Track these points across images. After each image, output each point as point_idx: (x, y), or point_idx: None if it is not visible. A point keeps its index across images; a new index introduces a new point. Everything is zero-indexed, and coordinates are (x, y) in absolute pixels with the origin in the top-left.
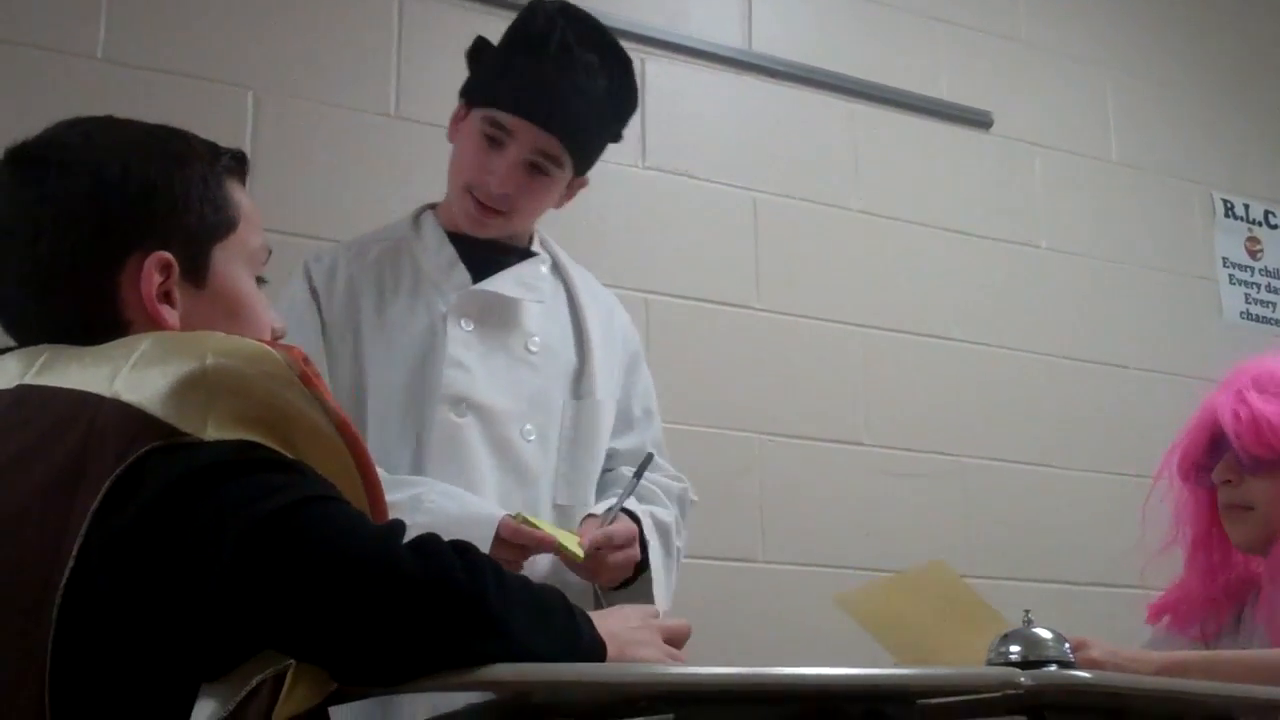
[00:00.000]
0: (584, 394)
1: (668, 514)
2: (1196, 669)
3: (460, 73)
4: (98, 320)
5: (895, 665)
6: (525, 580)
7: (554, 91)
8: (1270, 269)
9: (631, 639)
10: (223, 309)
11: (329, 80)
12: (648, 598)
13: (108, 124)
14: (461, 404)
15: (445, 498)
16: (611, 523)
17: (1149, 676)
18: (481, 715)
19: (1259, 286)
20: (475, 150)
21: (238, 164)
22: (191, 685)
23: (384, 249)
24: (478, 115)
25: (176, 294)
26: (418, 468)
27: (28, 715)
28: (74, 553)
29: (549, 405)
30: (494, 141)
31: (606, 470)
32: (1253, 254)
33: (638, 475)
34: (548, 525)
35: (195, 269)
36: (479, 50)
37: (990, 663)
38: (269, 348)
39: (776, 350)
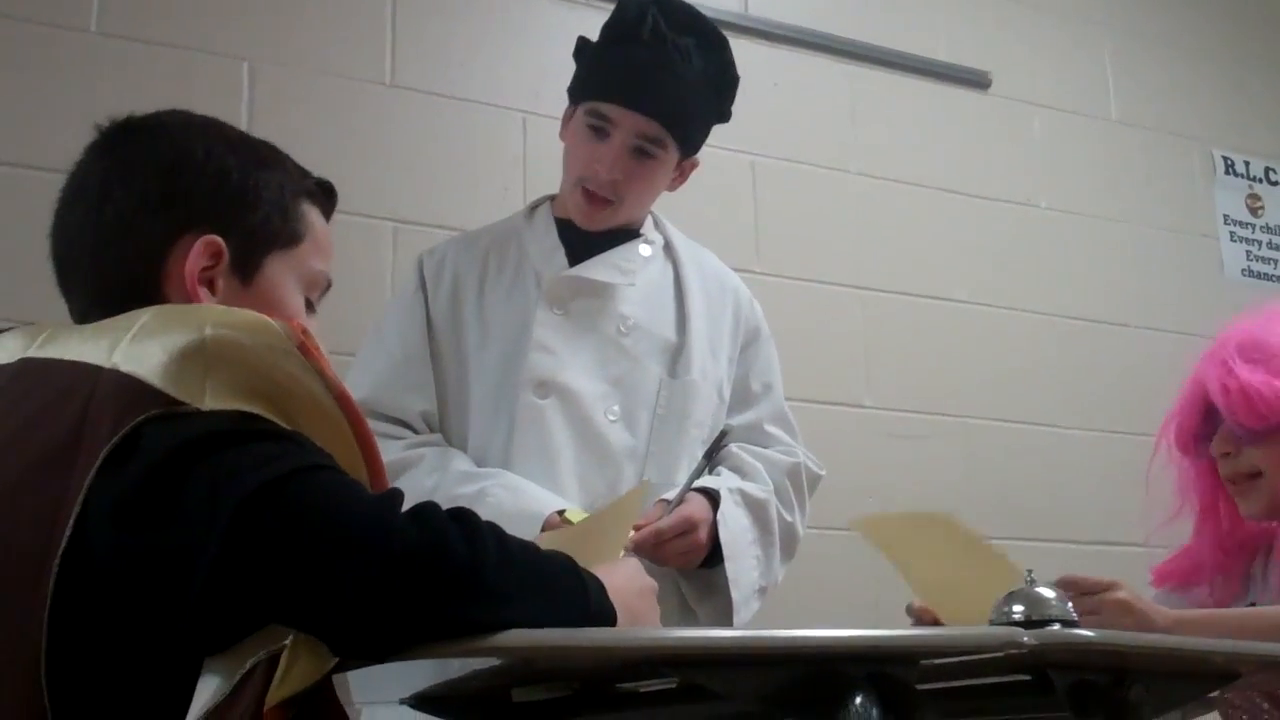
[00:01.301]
0: (680, 373)
1: (763, 489)
2: (1202, 626)
3: (455, 41)
4: (140, 288)
5: (898, 626)
6: (530, 547)
7: (650, 77)
8: (1271, 226)
9: (634, 607)
10: (263, 312)
11: (324, 50)
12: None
13: (210, 120)
14: (544, 386)
15: (506, 491)
16: (675, 507)
17: (1152, 634)
18: (485, 679)
19: (1260, 244)
20: (583, 143)
21: (323, 192)
22: (191, 660)
23: (494, 239)
24: (581, 110)
25: (220, 283)
26: (506, 450)
27: (23, 686)
28: (70, 522)
29: (639, 385)
30: (599, 132)
31: (721, 448)
32: (1253, 211)
33: (708, 456)
34: (581, 517)
35: (245, 265)
36: (580, 50)
37: (993, 622)
38: (267, 318)
39: (777, 313)
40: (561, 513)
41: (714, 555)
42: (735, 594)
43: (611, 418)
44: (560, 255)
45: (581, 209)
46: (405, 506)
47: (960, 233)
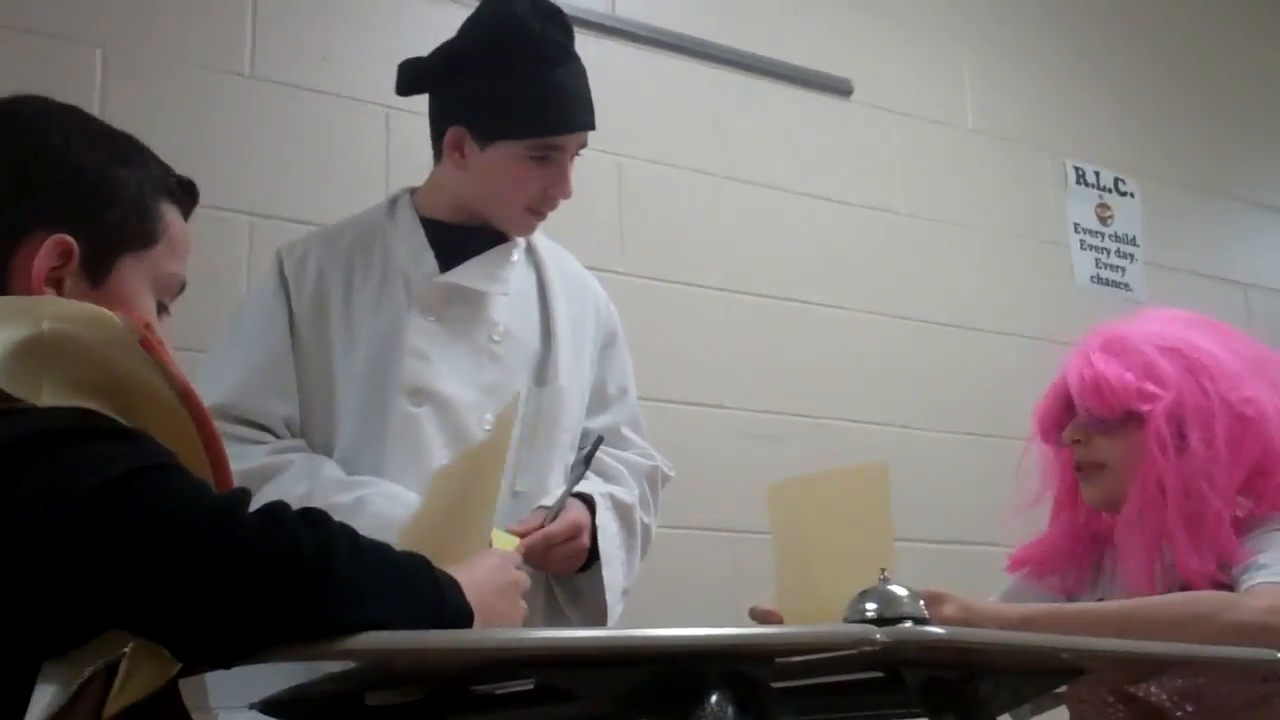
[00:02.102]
0: (548, 380)
1: (629, 494)
2: (1045, 623)
3: (317, 33)
4: None
5: (749, 612)
6: (385, 548)
7: (580, 91)
8: (1120, 234)
9: (492, 606)
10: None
11: (182, 39)
12: (601, 582)
13: (70, 109)
14: (419, 394)
15: (389, 501)
16: (556, 515)
17: (1001, 631)
18: (338, 683)
19: (1109, 251)
20: (527, 174)
21: (184, 192)
22: (27, 665)
23: (357, 236)
24: (515, 146)
25: (68, 283)
26: (378, 458)
27: None
28: None
29: (510, 393)
30: (546, 160)
31: (595, 453)
32: (1103, 220)
33: (585, 461)
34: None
35: (96, 266)
36: (449, 74)
37: (847, 620)
38: (108, 311)
39: (640, 313)
40: None
41: (587, 559)
42: (609, 597)
43: (486, 427)
44: (429, 258)
45: (524, 225)
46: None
47: (820, 237)
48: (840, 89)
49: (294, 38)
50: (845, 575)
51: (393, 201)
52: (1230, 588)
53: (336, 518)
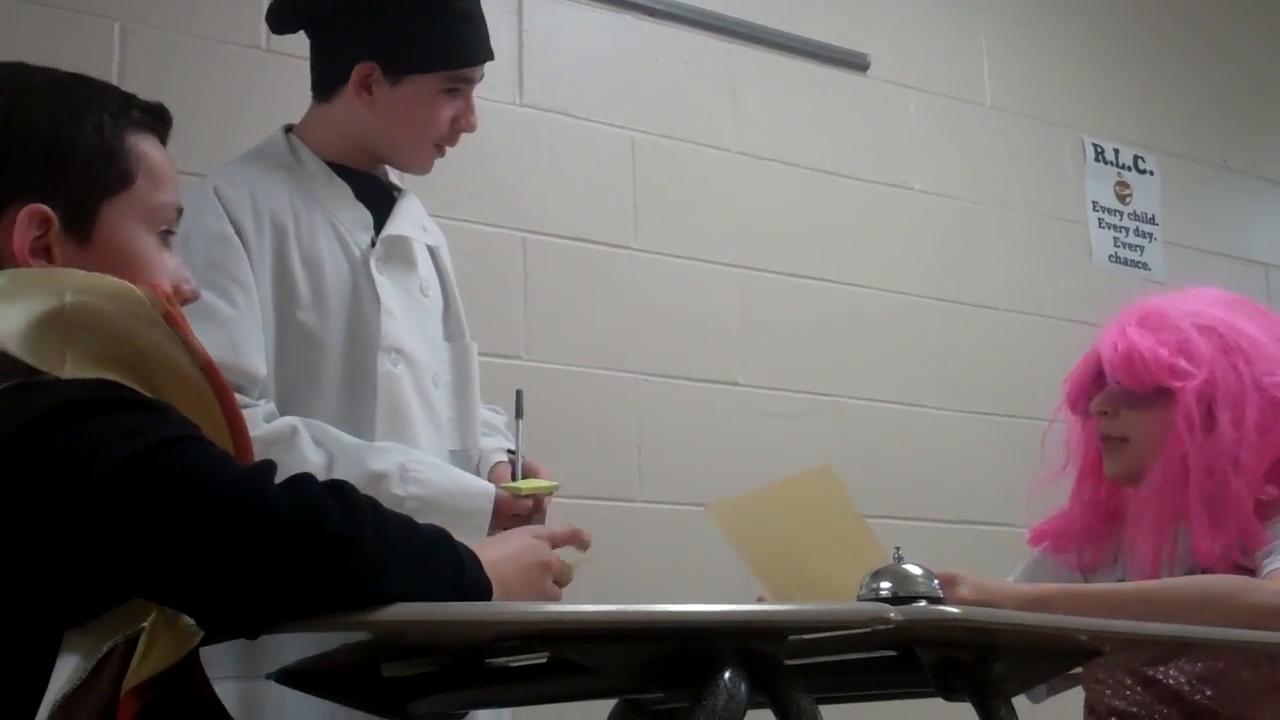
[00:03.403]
0: (455, 336)
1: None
2: (1061, 602)
3: None
4: None
5: (755, 600)
6: (407, 520)
7: (484, 22)
8: (1138, 213)
9: (514, 583)
10: (111, 267)
11: (199, 13)
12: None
13: (12, 68)
14: (396, 353)
15: (430, 469)
16: (515, 469)
17: (1016, 611)
18: (354, 654)
19: (1127, 230)
20: (437, 109)
21: (152, 117)
22: (52, 633)
23: (283, 178)
24: (431, 79)
25: (56, 250)
26: (354, 417)
27: None
28: None
29: (440, 350)
30: (456, 92)
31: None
32: (1121, 198)
33: (519, 415)
34: (525, 483)
35: (79, 224)
36: (357, 10)
37: (860, 598)
38: (131, 285)
39: (654, 290)
40: (501, 485)
41: None
42: None
43: (439, 384)
44: (361, 209)
45: (429, 163)
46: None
47: (836, 214)
48: (857, 64)
49: None
50: (840, 570)
51: (288, 141)
52: (1252, 572)
53: (380, 486)
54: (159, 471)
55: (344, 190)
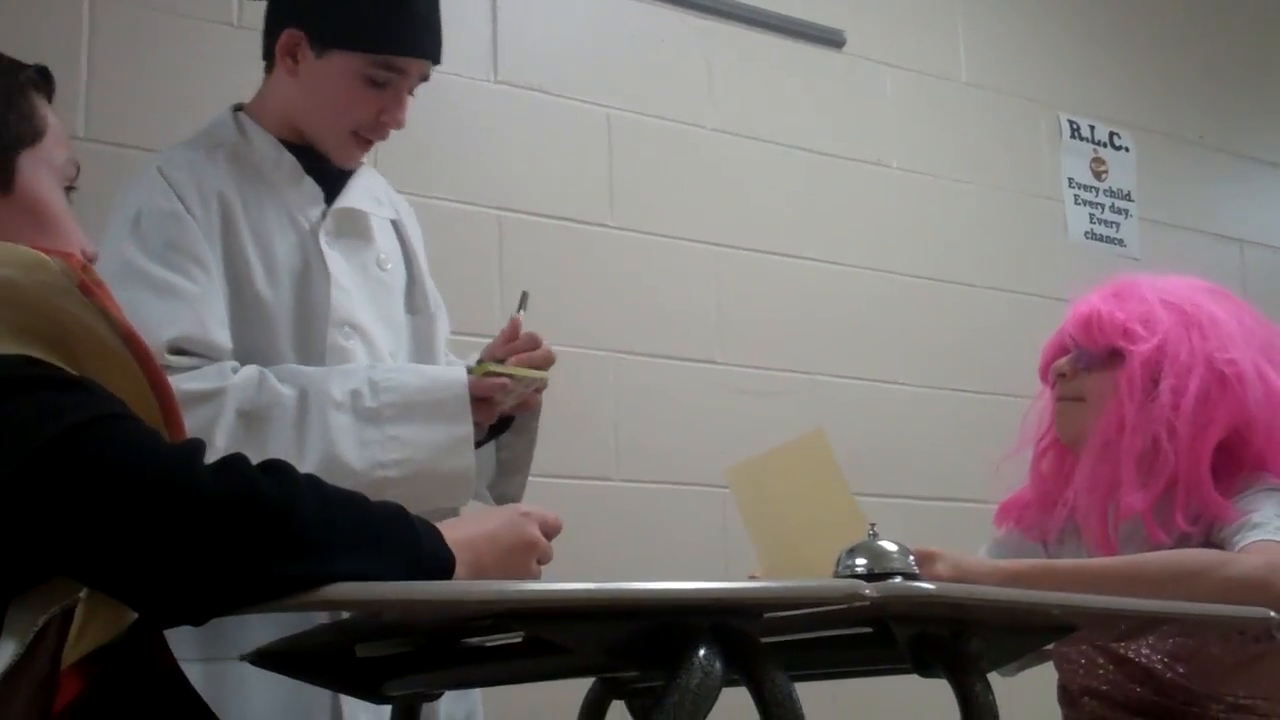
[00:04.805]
0: (418, 309)
1: None
2: (1037, 578)
3: None
4: None
5: (744, 579)
6: (356, 496)
7: (433, 19)
8: (1114, 189)
9: (488, 559)
10: (31, 219)
11: None
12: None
13: None
14: (347, 327)
15: (399, 373)
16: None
17: (992, 587)
18: (327, 635)
19: (1103, 207)
20: (358, 94)
21: (42, 78)
22: None
23: (227, 155)
24: (356, 60)
25: None
26: None
27: None
28: None
29: (399, 324)
30: (381, 84)
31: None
32: (1097, 175)
33: (522, 306)
34: (497, 365)
35: (1, 175)
36: None
37: (836, 575)
38: (44, 255)
39: (630, 268)
40: (474, 368)
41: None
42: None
43: (394, 359)
44: (310, 182)
45: (347, 152)
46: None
47: (812, 191)
48: (833, 40)
49: None
50: (821, 543)
51: (235, 119)
52: (1222, 549)
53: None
54: (84, 452)
55: (292, 165)
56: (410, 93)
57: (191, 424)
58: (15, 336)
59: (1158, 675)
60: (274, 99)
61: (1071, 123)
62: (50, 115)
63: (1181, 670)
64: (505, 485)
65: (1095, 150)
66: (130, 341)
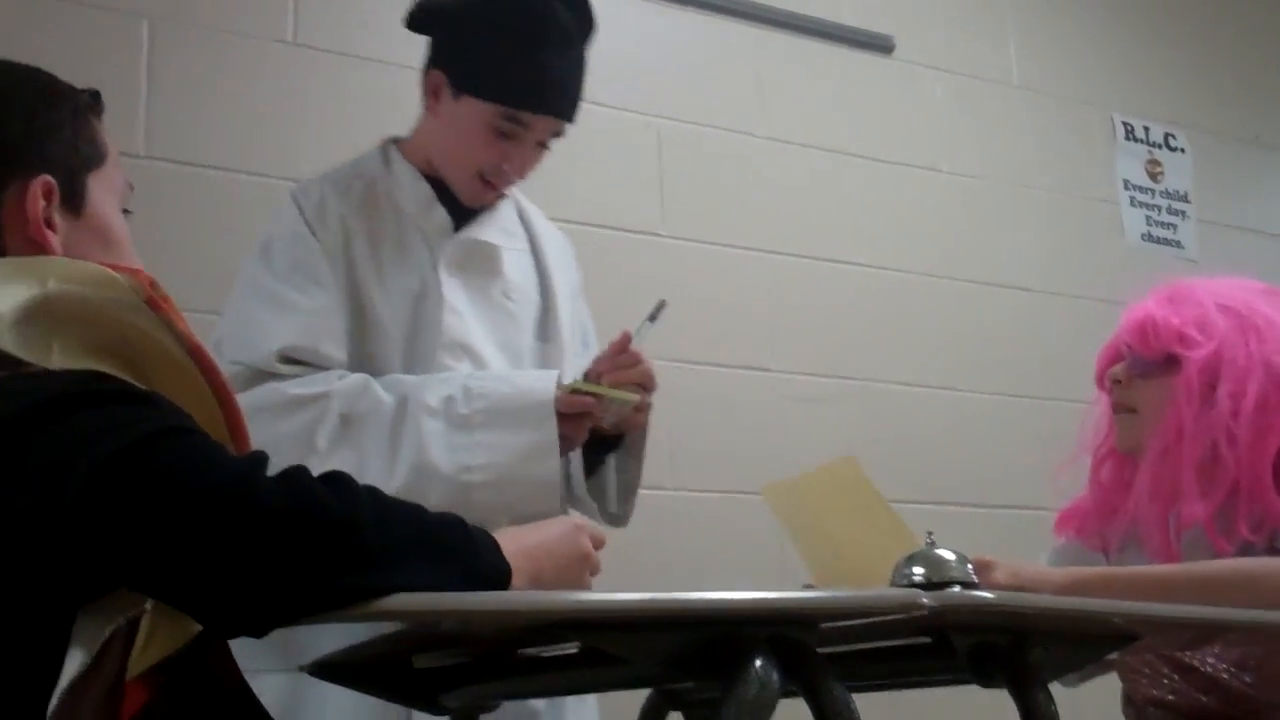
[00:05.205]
0: (549, 337)
1: None
2: (1097, 586)
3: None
4: None
5: (801, 588)
6: (415, 507)
7: (568, 80)
8: (1170, 191)
9: (546, 571)
10: (99, 239)
11: (225, 7)
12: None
13: None
14: (458, 349)
15: (492, 380)
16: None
17: (1052, 596)
18: (386, 645)
19: (1159, 209)
20: (485, 140)
21: (96, 102)
22: (44, 627)
23: (364, 186)
24: (486, 108)
25: (57, 220)
26: None
27: None
28: None
29: (521, 351)
30: (507, 135)
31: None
32: (1153, 176)
33: (653, 318)
34: (587, 384)
35: (73, 196)
36: (449, 19)
37: (894, 584)
38: (113, 271)
39: (682, 277)
40: (566, 386)
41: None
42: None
43: None
44: (441, 212)
45: (473, 192)
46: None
47: (864, 197)
48: (882, 46)
49: (335, 5)
50: (872, 554)
51: (384, 151)
52: None
53: (448, 410)
54: (149, 464)
55: (427, 195)
56: (545, 145)
57: (295, 425)
58: (85, 352)
59: (1224, 684)
60: (420, 133)
61: (1126, 124)
62: (109, 139)
63: (1248, 680)
64: (624, 506)
65: (1150, 152)
66: (196, 355)
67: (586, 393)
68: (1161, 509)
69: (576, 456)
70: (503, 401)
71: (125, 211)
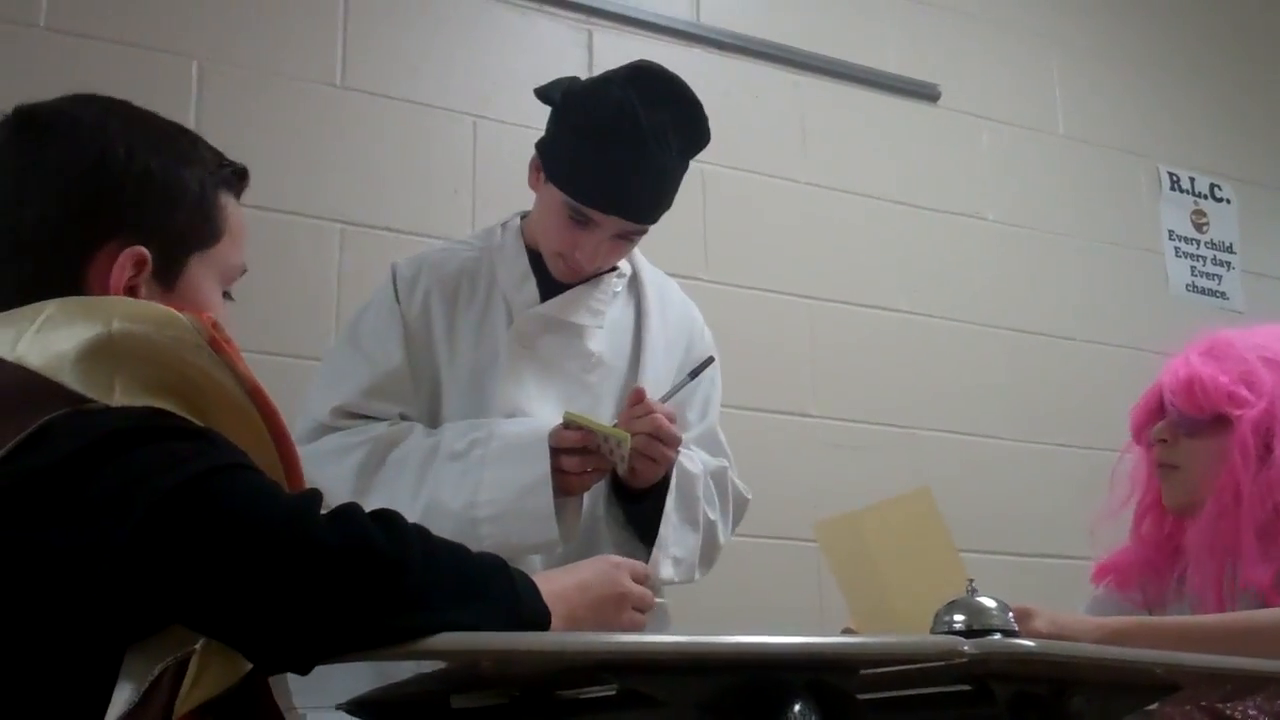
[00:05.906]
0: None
1: (697, 468)
2: (1138, 636)
3: (406, 44)
4: (56, 295)
5: (840, 632)
6: (459, 548)
7: (631, 179)
8: (1215, 241)
9: (584, 612)
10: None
11: (274, 50)
12: (650, 524)
13: (123, 107)
14: (515, 416)
15: (510, 424)
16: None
17: (1094, 645)
18: (424, 684)
19: (1204, 259)
20: (560, 225)
21: (237, 178)
22: (96, 662)
23: (468, 258)
24: (560, 195)
25: (143, 290)
26: None
27: None
28: None
29: (598, 418)
30: (580, 223)
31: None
32: (1198, 227)
33: (693, 375)
34: (582, 417)
35: (168, 271)
36: (553, 104)
37: (934, 631)
38: (177, 312)
39: (724, 322)
40: (566, 420)
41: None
42: (664, 529)
43: None
44: (531, 286)
45: (560, 271)
46: (407, 468)
47: (908, 244)
48: (928, 94)
49: (384, 49)
50: (917, 598)
51: (507, 223)
52: None
53: (474, 451)
54: (205, 501)
55: (523, 267)
56: (626, 238)
57: (340, 469)
58: (146, 390)
59: None
60: (532, 209)
61: (1171, 175)
62: (235, 215)
63: None
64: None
65: (1196, 202)
66: (255, 395)
67: (578, 426)
68: (1217, 570)
69: (600, 496)
70: (510, 439)
71: (226, 295)
